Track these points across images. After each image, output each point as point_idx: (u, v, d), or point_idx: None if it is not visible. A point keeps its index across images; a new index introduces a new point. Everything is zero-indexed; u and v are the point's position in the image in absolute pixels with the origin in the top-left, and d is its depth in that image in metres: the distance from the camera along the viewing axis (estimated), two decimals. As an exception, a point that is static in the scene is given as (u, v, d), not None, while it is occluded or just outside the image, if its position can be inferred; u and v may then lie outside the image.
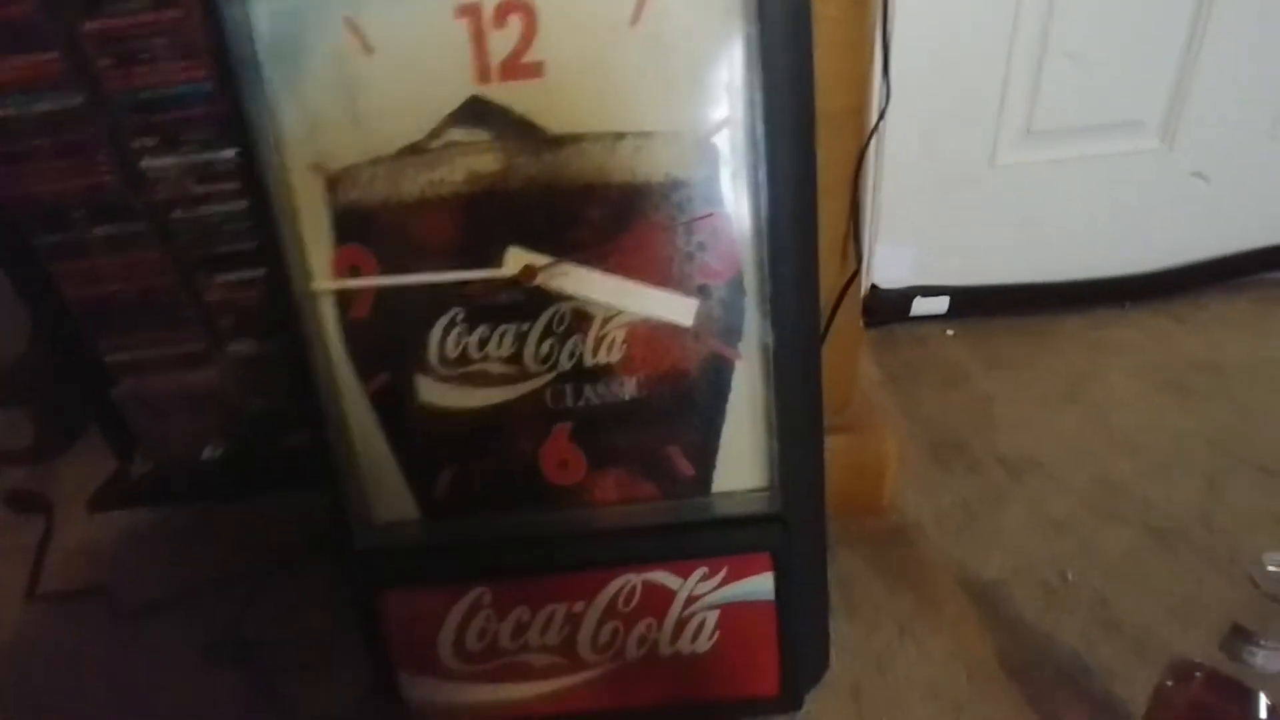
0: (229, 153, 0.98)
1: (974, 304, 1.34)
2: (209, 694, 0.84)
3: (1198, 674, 0.57)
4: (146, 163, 0.99)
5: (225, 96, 0.55)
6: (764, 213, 0.55)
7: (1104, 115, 1.24)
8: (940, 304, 1.34)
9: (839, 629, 0.79)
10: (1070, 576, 0.85)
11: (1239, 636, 0.53)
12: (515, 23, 0.53)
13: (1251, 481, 0.95)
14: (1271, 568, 0.52)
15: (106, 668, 0.90)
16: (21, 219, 1.02)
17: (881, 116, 0.79)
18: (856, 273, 0.83)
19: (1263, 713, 0.54)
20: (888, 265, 1.33)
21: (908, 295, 1.34)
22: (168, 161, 0.99)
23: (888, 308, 1.33)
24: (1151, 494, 0.96)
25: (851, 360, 0.93)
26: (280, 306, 0.59)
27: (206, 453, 1.20)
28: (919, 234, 1.32)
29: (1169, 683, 0.59)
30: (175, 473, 1.19)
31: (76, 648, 0.93)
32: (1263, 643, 0.52)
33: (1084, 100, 1.22)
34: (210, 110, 0.96)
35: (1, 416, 1.23)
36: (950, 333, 1.33)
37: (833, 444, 0.70)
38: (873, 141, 0.81)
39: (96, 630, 0.94)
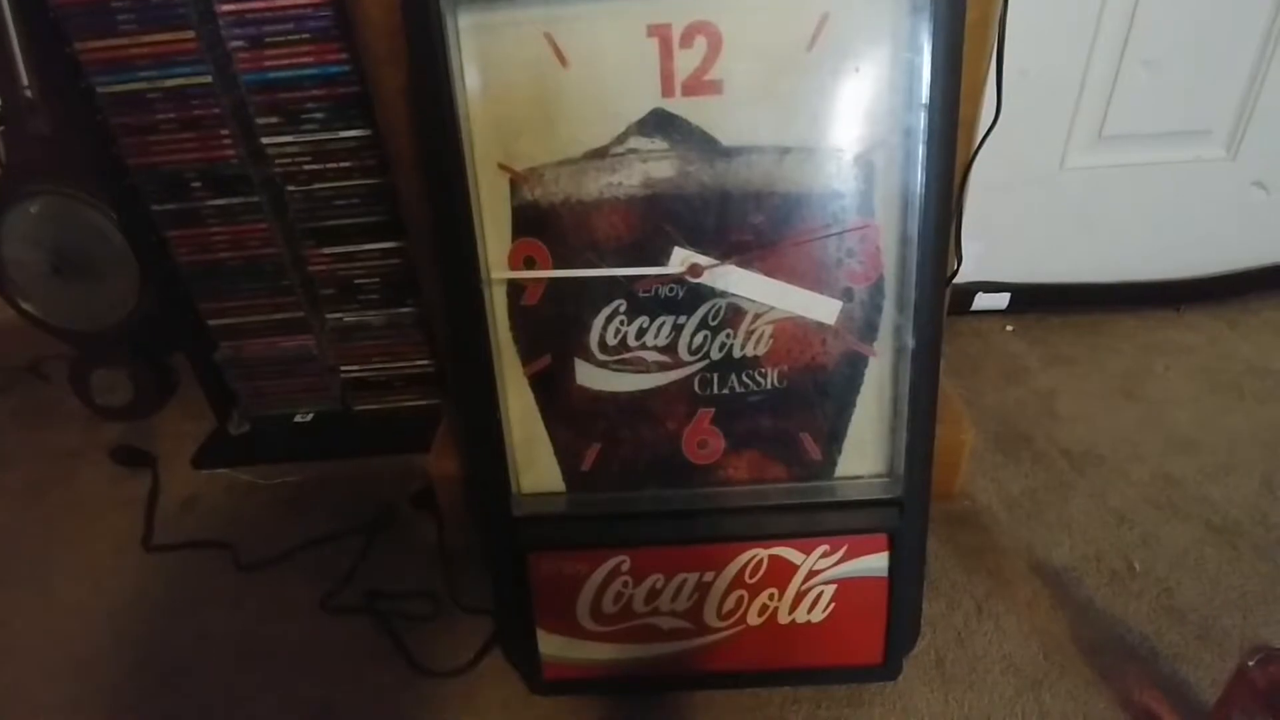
0: (345, 133, 1.03)
1: (1033, 301, 1.39)
2: (330, 643, 0.91)
3: (1265, 650, 0.63)
4: (267, 140, 1.03)
5: (421, 97, 0.60)
6: (915, 225, 0.60)
7: (1173, 123, 1.27)
8: (1001, 300, 1.39)
9: (923, 606, 0.85)
10: (1137, 566, 0.91)
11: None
12: (701, 43, 0.57)
13: (1303, 480, 1.01)
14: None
15: (227, 617, 0.96)
16: (144, 186, 1.07)
17: (990, 129, 0.83)
18: (954, 275, 0.87)
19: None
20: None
21: (970, 290, 1.38)
22: (286, 139, 1.04)
23: (950, 302, 1.37)
24: (1210, 492, 1.01)
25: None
26: (454, 293, 0.64)
27: (299, 415, 1.27)
28: (984, 231, 1.35)
29: (1250, 663, 0.65)
30: (270, 433, 1.25)
31: (196, 597, 0.99)
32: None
33: (1155, 108, 1.25)
34: (330, 92, 1.00)
35: (102, 375, 1.29)
36: (1009, 328, 1.38)
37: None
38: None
39: (215, 581, 1.01)
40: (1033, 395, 1.21)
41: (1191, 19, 1.17)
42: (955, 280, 1.36)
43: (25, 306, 1.20)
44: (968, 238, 1.35)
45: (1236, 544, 0.94)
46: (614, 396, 0.67)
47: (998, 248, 1.37)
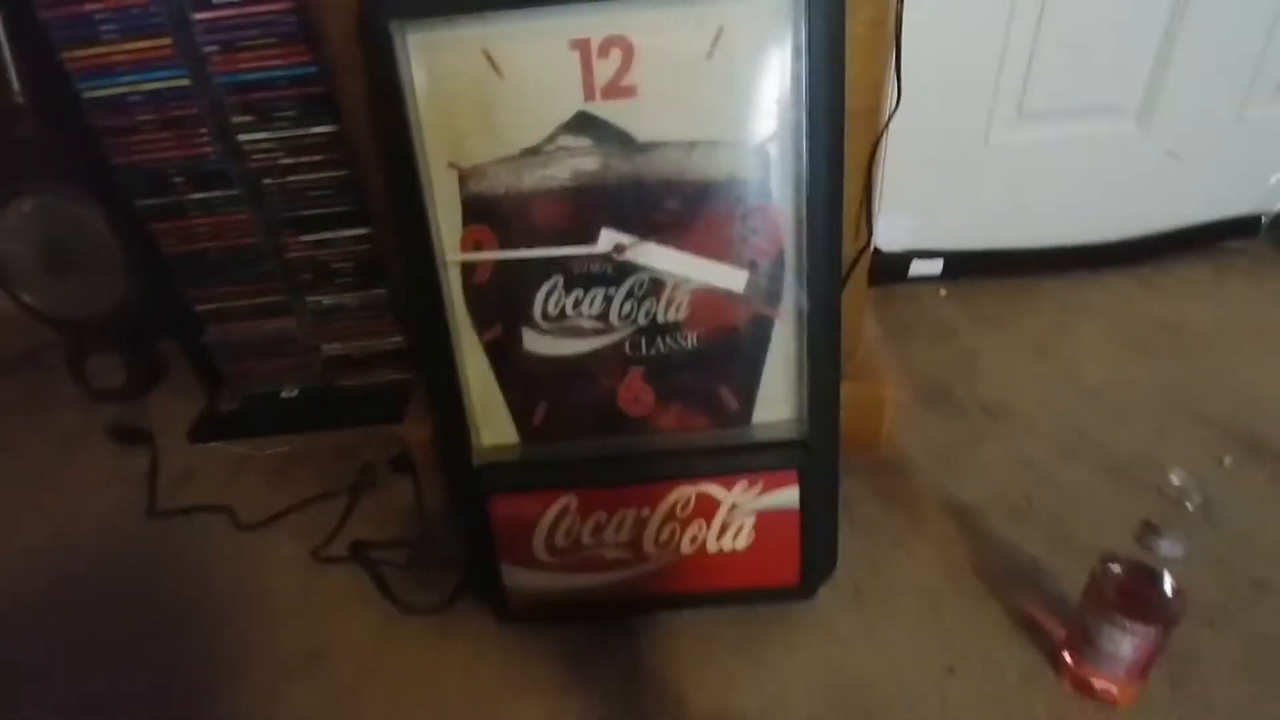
0: (315, 129, 1.11)
1: (965, 267, 1.50)
2: (321, 590, 1.02)
3: (1121, 561, 0.75)
4: (243, 137, 1.12)
5: (378, 105, 0.69)
6: (804, 205, 0.71)
7: (1089, 99, 1.37)
8: (935, 266, 1.50)
9: (843, 542, 0.95)
10: (1033, 501, 1.03)
11: (1148, 530, 0.70)
12: (616, 54, 0.67)
13: (1193, 428, 1.12)
14: (1174, 480, 0.69)
15: (226, 571, 1.06)
16: (129, 183, 1.15)
17: (892, 115, 0.93)
18: (867, 245, 0.98)
19: (1168, 590, 0.72)
20: (889, 231, 1.48)
21: (906, 258, 1.49)
22: (262, 136, 1.12)
23: (888, 269, 1.48)
24: (1108, 437, 1.13)
25: (858, 318, 1.09)
26: (415, 274, 0.74)
27: (285, 392, 1.36)
28: (918, 203, 1.46)
29: (1099, 569, 0.77)
30: (259, 409, 1.34)
31: (197, 555, 1.09)
32: (1166, 535, 0.70)
33: (1070, 86, 1.35)
34: (301, 92, 1.09)
35: (97, 360, 1.37)
36: (943, 293, 1.49)
37: (840, 389, 0.87)
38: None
39: (214, 541, 1.11)
40: (957, 354, 1.33)
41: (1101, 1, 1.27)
42: (892, 249, 1.49)
43: (23, 299, 1.29)
44: (901, 210, 1.47)
45: (1125, 481, 1.05)
46: (557, 360, 0.77)
47: (931, 218, 1.48)
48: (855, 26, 0.78)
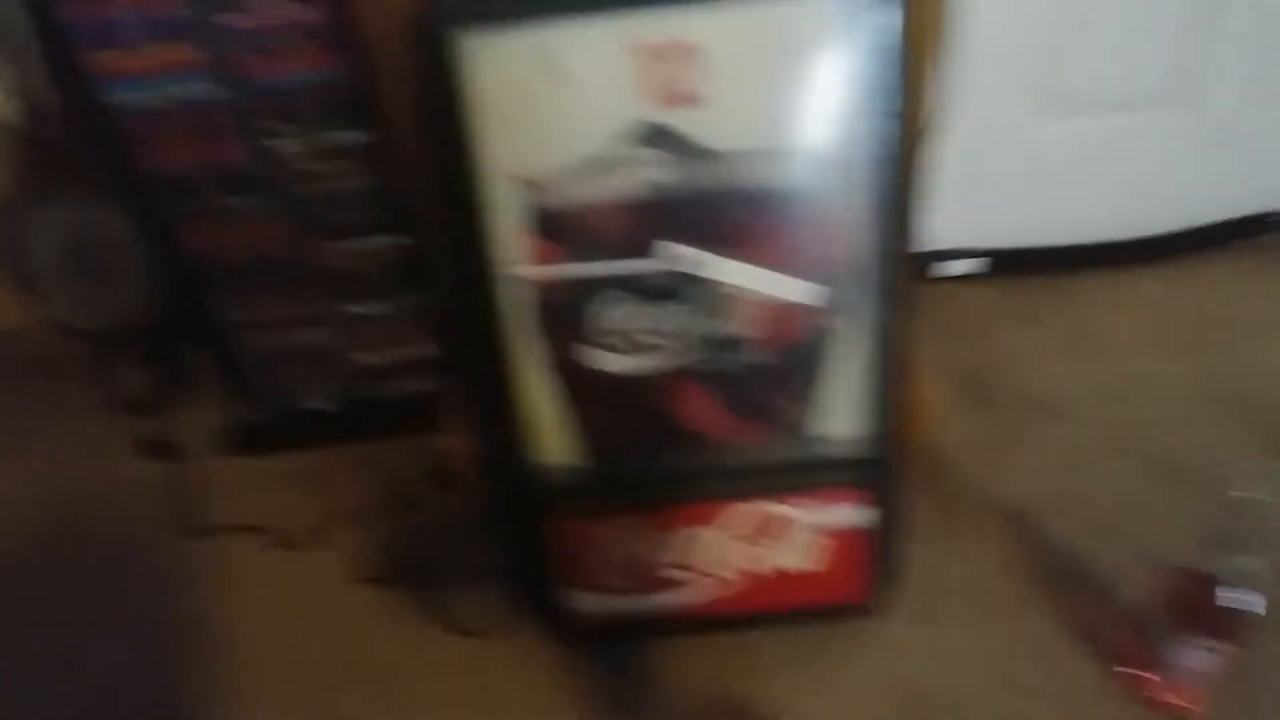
0: (346, 135, 1.09)
1: (1003, 264, 1.47)
2: (362, 607, 1.00)
3: (1185, 570, 0.73)
4: (272, 142, 1.09)
5: (432, 116, 0.66)
6: (874, 216, 0.68)
7: (1123, 93, 1.34)
8: (975, 265, 1.47)
9: (898, 550, 0.94)
10: (1078, 500, 1.01)
11: (1225, 543, 0.69)
12: (680, 59, 0.65)
13: (1238, 420, 1.10)
14: (1243, 492, 0.67)
15: (265, 590, 1.04)
16: (157, 190, 1.13)
17: (934, 118, 0.90)
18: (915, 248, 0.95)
19: (1247, 604, 0.70)
20: (925, 229, 1.45)
21: (947, 257, 1.46)
22: (291, 141, 1.09)
23: (928, 268, 1.45)
24: (1154, 433, 1.10)
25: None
26: (473, 289, 0.72)
27: (316, 402, 1.34)
28: (954, 200, 1.42)
29: (1165, 580, 0.75)
30: (289, 421, 1.32)
31: (235, 575, 1.07)
32: (1242, 549, 0.67)
33: (1105, 78, 1.32)
34: (331, 96, 1.06)
35: (123, 371, 1.35)
36: (983, 290, 1.46)
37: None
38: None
39: (251, 560, 1.09)
40: (998, 351, 1.30)
41: (1137, -8, 1.23)
42: (934, 247, 1.46)
43: (49, 308, 1.26)
44: (936, 207, 1.43)
45: (1174, 477, 1.03)
46: (619, 376, 0.75)
47: (967, 215, 1.44)
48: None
